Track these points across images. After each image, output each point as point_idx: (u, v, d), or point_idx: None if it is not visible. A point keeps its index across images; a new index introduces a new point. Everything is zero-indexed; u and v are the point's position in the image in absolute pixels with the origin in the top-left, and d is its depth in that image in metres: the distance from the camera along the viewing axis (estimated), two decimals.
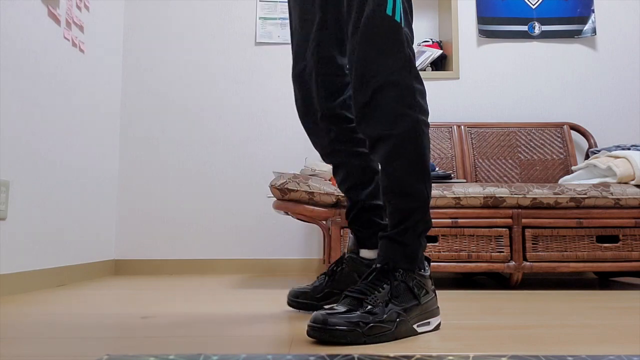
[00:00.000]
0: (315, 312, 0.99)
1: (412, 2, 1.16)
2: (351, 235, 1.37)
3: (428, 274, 1.13)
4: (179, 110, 2.89)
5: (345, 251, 1.37)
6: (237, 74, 2.93)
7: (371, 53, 1.07)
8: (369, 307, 1.00)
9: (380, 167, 1.14)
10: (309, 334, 0.98)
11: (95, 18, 2.54)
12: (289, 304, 1.39)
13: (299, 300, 1.37)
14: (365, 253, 1.33)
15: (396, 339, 1.02)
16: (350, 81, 1.12)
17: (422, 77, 3.12)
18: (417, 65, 3.03)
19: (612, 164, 2.16)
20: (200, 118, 2.89)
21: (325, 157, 1.37)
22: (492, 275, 2.56)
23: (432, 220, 2.01)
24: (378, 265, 1.09)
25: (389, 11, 1.06)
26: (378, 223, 1.32)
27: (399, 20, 1.06)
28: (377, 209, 1.32)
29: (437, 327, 1.13)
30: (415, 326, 1.06)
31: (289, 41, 3.00)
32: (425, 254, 2.00)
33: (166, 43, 2.93)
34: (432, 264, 1.99)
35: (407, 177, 1.08)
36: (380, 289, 1.04)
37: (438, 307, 1.14)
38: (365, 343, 0.97)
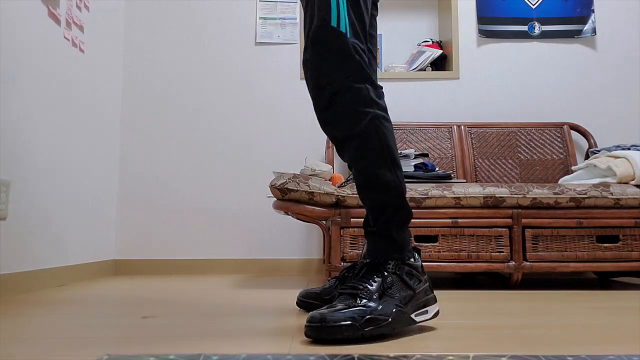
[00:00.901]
0: (311, 312, 1.00)
1: (379, 13, 1.25)
2: (365, 242, 1.37)
3: (419, 263, 1.14)
4: (179, 110, 2.89)
5: (360, 258, 1.38)
6: (237, 74, 2.92)
7: (323, 63, 1.13)
8: (364, 300, 1.02)
9: (351, 167, 1.18)
10: (306, 334, 0.98)
11: (95, 18, 2.54)
12: (297, 304, 1.40)
13: (307, 300, 1.38)
14: None
15: (394, 329, 1.03)
16: (308, 89, 1.18)
17: (422, 77, 3.10)
18: (416, 66, 3.03)
19: (612, 164, 2.16)
20: (200, 118, 2.89)
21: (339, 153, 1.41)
22: (492, 275, 2.56)
23: (432, 220, 2.03)
24: (367, 260, 1.12)
25: (333, 23, 1.12)
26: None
27: (344, 31, 1.11)
28: None
29: (435, 315, 1.13)
30: (413, 315, 1.08)
31: (289, 41, 3.01)
32: (426, 253, 2.01)
33: (166, 43, 2.93)
34: (432, 264, 1.99)
35: (377, 171, 1.12)
36: (372, 282, 1.06)
37: (434, 294, 1.15)
38: (363, 337, 0.98)
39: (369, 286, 1.05)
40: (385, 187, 1.13)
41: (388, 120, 1.16)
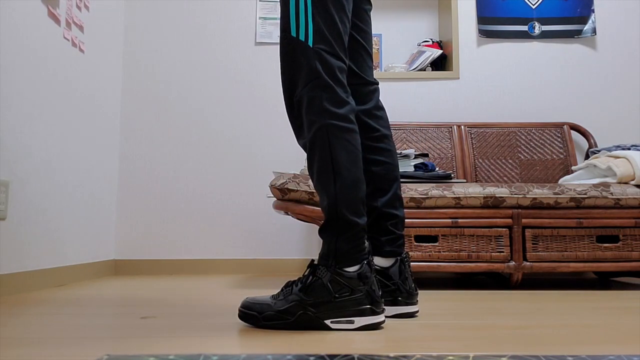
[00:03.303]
0: (245, 297, 1.16)
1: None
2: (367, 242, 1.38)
3: (354, 274, 1.13)
4: (179, 110, 2.89)
5: None
6: (237, 74, 2.93)
7: (287, 74, 1.20)
8: (280, 297, 1.15)
9: None
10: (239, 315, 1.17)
11: (95, 18, 2.54)
12: None
13: None
14: (379, 261, 1.35)
15: (294, 329, 1.13)
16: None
17: (422, 77, 3.10)
18: (416, 66, 3.03)
19: (612, 164, 2.16)
20: (200, 118, 2.89)
21: None
22: (492, 275, 2.56)
23: (432, 220, 2.03)
24: (314, 260, 1.22)
25: (293, 32, 1.17)
26: (393, 232, 1.35)
27: (303, 40, 1.16)
28: (393, 218, 1.35)
29: (365, 328, 1.12)
30: (328, 322, 1.13)
31: None
32: (426, 253, 2.00)
33: (166, 43, 2.93)
34: (432, 264, 1.99)
35: (321, 179, 1.17)
36: (299, 282, 1.15)
37: (371, 308, 1.12)
38: (264, 327, 1.14)
39: (294, 286, 1.15)
40: (324, 196, 1.17)
41: (345, 129, 1.15)
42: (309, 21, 1.16)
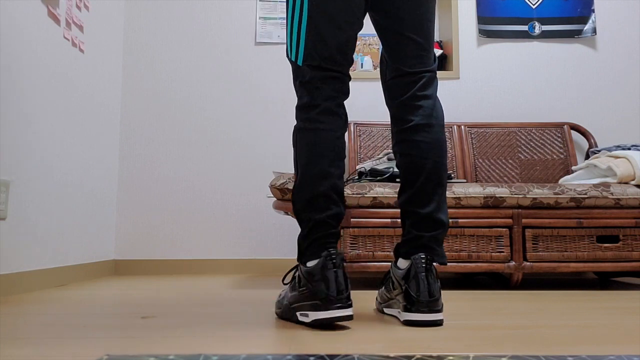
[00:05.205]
0: None
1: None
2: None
3: (311, 268, 1.16)
4: (179, 110, 2.89)
5: None
6: (237, 74, 2.92)
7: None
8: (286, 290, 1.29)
9: None
10: None
11: (95, 18, 2.54)
12: None
13: None
14: (400, 262, 1.29)
15: (281, 318, 1.27)
16: None
17: None
18: None
19: (613, 164, 2.16)
20: (200, 118, 2.89)
21: None
22: (492, 275, 2.56)
23: None
24: None
25: (288, 53, 1.31)
26: (410, 231, 1.27)
27: (293, 59, 1.29)
28: (412, 216, 1.27)
29: (317, 324, 1.12)
30: (298, 314, 1.18)
31: None
32: None
33: (166, 43, 2.93)
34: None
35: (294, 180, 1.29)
36: (293, 277, 1.25)
37: (320, 303, 1.12)
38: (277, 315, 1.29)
39: (292, 279, 1.26)
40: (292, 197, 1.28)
41: (309, 129, 1.24)
42: (304, 39, 1.27)
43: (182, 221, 2.81)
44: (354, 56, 3.28)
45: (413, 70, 1.30)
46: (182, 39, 2.93)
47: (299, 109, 1.27)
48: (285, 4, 1.34)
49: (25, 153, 1.93)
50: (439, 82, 2.94)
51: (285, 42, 1.30)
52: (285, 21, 1.33)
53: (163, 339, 1.02)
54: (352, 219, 1.99)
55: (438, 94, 2.92)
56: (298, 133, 1.26)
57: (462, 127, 2.78)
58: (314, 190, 1.21)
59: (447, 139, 2.76)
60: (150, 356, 0.85)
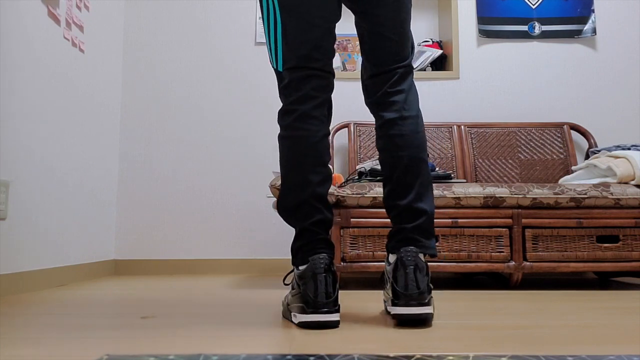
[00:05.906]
0: None
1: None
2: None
3: (300, 271, 1.20)
4: (179, 110, 2.89)
5: None
6: (237, 74, 2.92)
7: None
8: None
9: None
10: None
11: (95, 18, 2.54)
12: None
13: None
14: (390, 257, 1.28)
15: (283, 317, 1.29)
16: None
17: (422, 77, 3.10)
18: (417, 66, 3.04)
19: (612, 164, 2.16)
20: (200, 118, 2.89)
21: None
22: (492, 275, 2.56)
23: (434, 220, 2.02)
24: None
25: (271, 62, 1.33)
26: (394, 225, 1.27)
27: (275, 67, 1.32)
28: (393, 210, 1.27)
29: (300, 325, 1.15)
30: (292, 314, 1.20)
31: None
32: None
33: (166, 43, 2.93)
34: (432, 264, 1.99)
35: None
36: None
37: (304, 307, 1.14)
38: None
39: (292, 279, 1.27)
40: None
41: (287, 137, 1.26)
42: (281, 47, 1.29)
43: (182, 221, 2.81)
44: (354, 56, 3.28)
45: (388, 68, 1.31)
46: (182, 39, 2.93)
47: (279, 115, 1.28)
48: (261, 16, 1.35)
49: (25, 153, 1.93)
50: (439, 82, 2.94)
51: (268, 52, 1.32)
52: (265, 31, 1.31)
53: (163, 339, 1.02)
54: (352, 219, 1.99)
55: (438, 94, 2.93)
56: (279, 141, 1.28)
57: (462, 127, 2.78)
58: (295, 199, 1.23)
59: (447, 139, 2.78)
60: (150, 356, 0.85)
